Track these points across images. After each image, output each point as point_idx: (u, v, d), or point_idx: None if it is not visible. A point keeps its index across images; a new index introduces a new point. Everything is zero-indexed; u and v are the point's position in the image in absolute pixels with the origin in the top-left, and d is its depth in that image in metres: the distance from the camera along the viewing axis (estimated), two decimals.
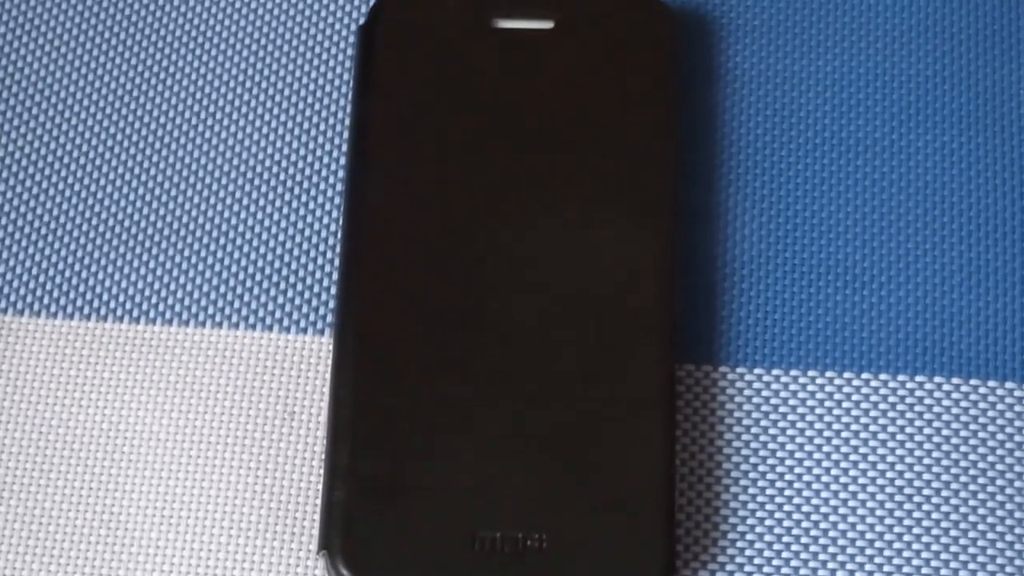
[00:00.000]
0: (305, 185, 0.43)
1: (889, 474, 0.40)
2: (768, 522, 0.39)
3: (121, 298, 0.42)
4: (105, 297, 0.42)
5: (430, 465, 0.38)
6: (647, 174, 0.41)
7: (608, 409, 0.39)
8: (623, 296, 0.40)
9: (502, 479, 0.38)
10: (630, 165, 0.41)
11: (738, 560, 0.39)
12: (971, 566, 0.39)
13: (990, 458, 0.40)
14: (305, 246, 0.43)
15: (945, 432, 0.40)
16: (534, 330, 0.40)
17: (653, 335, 0.39)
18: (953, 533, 0.39)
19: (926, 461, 0.40)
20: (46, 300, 0.42)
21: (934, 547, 0.39)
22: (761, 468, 0.40)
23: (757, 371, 0.41)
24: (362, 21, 0.45)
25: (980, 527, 0.39)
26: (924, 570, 0.39)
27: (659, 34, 0.43)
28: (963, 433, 0.40)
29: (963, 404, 0.40)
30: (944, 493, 0.39)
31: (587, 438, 0.39)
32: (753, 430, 0.40)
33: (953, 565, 0.39)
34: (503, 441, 0.39)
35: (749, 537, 0.39)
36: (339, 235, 0.42)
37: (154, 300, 0.42)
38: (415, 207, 0.41)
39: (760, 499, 0.39)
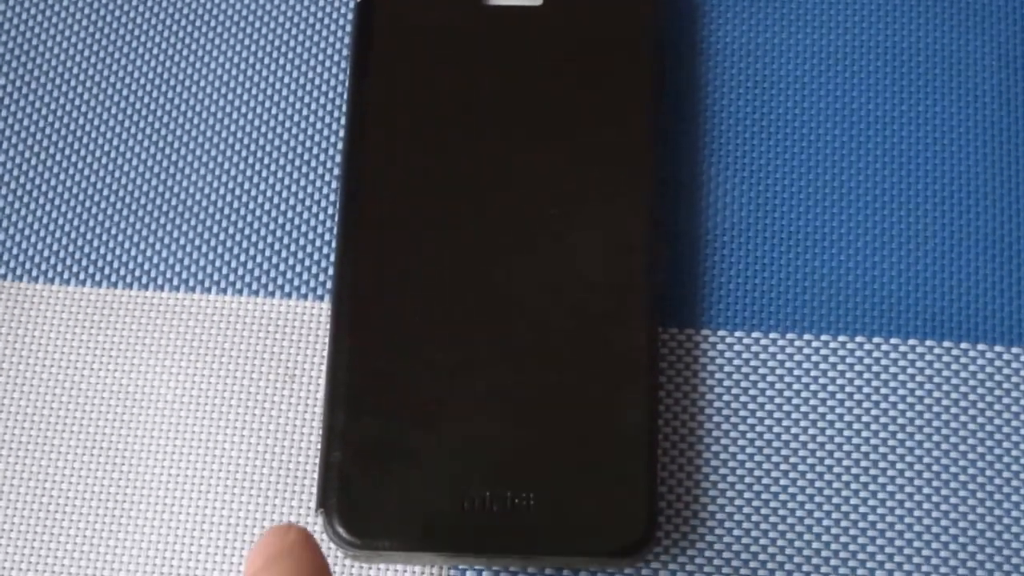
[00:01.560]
0: (305, 156, 0.44)
1: (864, 433, 0.40)
2: (748, 479, 0.40)
3: (131, 265, 0.43)
4: (115, 264, 0.43)
5: (421, 427, 0.39)
6: (631, 145, 0.42)
7: (593, 372, 0.40)
8: (608, 262, 0.41)
9: (491, 440, 0.39)
10: (614, 136, 0.42)
11: (718, 516, 0.40)
12: (943, 522, 0.40)
13: (962, 418, 0.40)
14: (305, 215, 0.43)
15: (919, 393, 0.41)
16: (523, 296, 0.41)
17: (636, 300, 0.40)
18: (926, 491, 0.40)
19: (900, 421, 0.41)
20: (59, 267, 0.43)
21: (907, 504, 0.40)
22: (741, 428, 0.41)
23: (737, 334, 0.42)
24: None
25: (952, 485, 0.40)
26: (898, 526, 0.40)
27: (643, 8, 0.44)
28: (936, 394, 0.41)
29: (936, 366, 0.41)
30: (917, 452, 0.40)
31: (573, 400, 0.40)
32: (734, 391, 0.41)
33: (926, 521, 0.40)
34: (492, 403, 0.40)
35: (729, 494, 0.40)
36: (337, 205, 0.43)
37: (161, 267, 0.43)
38: (409, 178, 0.42)
39: (740, 457, 0.40)
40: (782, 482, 0.40)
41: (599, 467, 0.39)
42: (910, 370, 0.41)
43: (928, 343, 0.41)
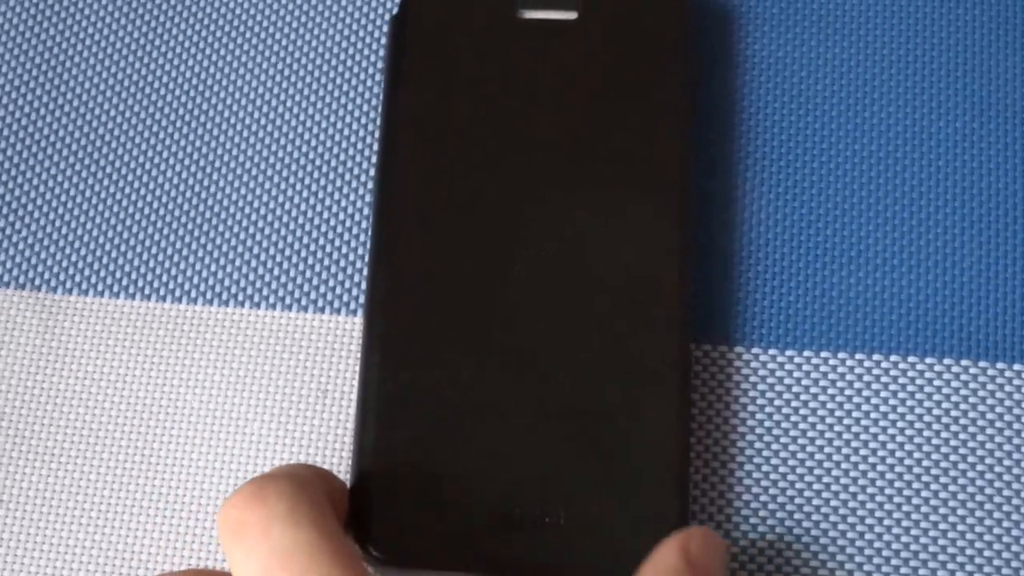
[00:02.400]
0: (340, 171, 0.44)
1: (899, 453, 0.40)
2: (780, 499, 0.40)
3: (164, 278, 0.43)
4: (149, 277, 0.43)
5: (452, 444, 0.39)
6: (663, 159, 0.42)
7: (625, 389, 0.40)
8: (639, 278, 0.41)
9: (522, 457, 0.39)
10: (647, 150, 0.42)
11: (751, 536, 0.40)
12: (977, 544, 0.39)
13: (997, 439, 0.40)
14: (339, 229, 0.43)
15: (954, 413, 0.40)
16: (555, 312, 0.40)
17: (668, 315, 0.40)
18: (960, 512, 0.40)
19: (935, 442, 0.40)
20: (93, 279, 0.43)
21: (941, 526, 0.40)
22: (774, 446, 0.40)
23: (771, 351, 0.41)
24: (394, 12, 0.46)
25: (987, 507, 0.40)
26: (931, 548, 0.39)
27: (677, 21, 0.43)
28: (971, 415, 0.40)
29: (972, 386, 0.41)
30: (952, 473, 0.40)
31: (605, 417, 0.39)
32: (767, 409, 0.41)
33: (960, 544, 0.39)
34: (523, 420, 0.39)
35: (762, 513, 0.40)
36: (370, 220, 0.43)
37: (195, 281, 0.43)
38: (442, 193, 0.42)
39: (773, 476, 0.40)
40: (815, 502, 0.40)
41: (629, 485, 0.39)
42: (945, 390, 0.41)
43: (963, 363, 0.41)
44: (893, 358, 0.41)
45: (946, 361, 0.41)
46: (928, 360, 0.41)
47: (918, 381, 0.41)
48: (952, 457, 0.40)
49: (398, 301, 0.41)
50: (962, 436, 0.40)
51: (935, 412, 0.40)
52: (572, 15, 0.43)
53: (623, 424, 0.39)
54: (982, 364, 0.41)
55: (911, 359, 0.41)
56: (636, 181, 0.42)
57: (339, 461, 0.41)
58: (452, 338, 0.40)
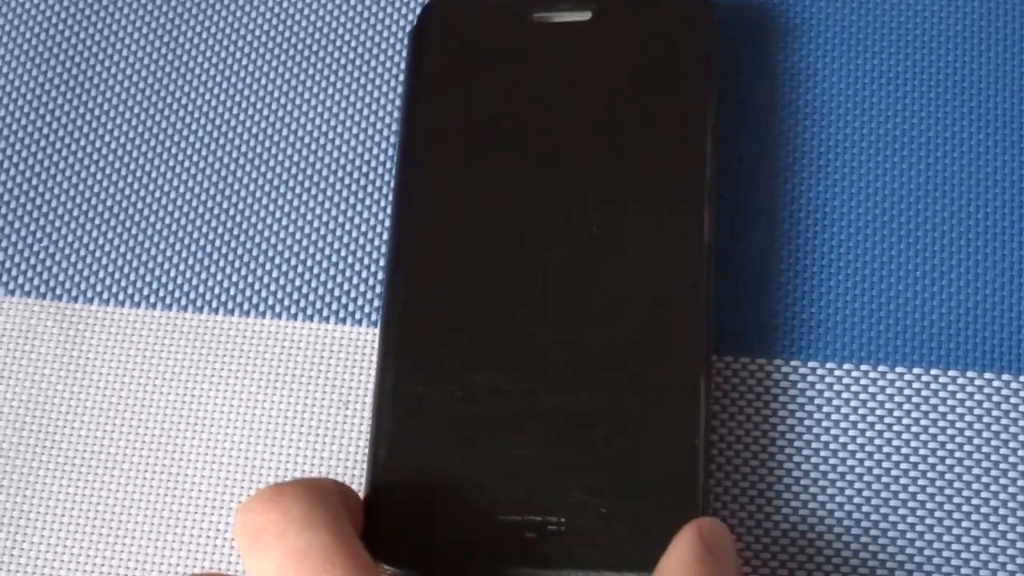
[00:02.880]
0: (362, 182, 0.44)
1: (921, 467, 0.40)
2: (802, 511, 0.40)
3: (185, 288, 0.43)
4: (171, 287, 0.43)
5: (463, 454, 0.39)
6: (685, 165, 0.41)
7: (640, 397, 0.39)
8: (657, 287, 0.40)
9: (536, 468, 0.39)
10: (667, 156, 0.41)
11: (772, 549, 0.40)
12: (1000, 559, 0.39)
13: (1021, 452, 0.40)
14: (361, 240, 0.43)
15: (995, 428, 0.40)
16: (573, 322, 0.40)
17: (685, 325, 0.40)
18: (984, 526, 0.40)
19: (975, 456, 0.40)
20: (114, 288, 0.43)
21: (964, 539, 0.40)
22: (796, 459, 0.40)
23: (793, 363, 0.41)
24: (413, 23, 0.46)
25: (1011, 520, 0.40)
26: (954, 561, 0.39)
27: (694, 22, 0.43)
28: (993, 428, 0.40)
29: (1013, 400, 0.40)
30: (975, 486, 0.40)
31: (619, 426, 0.39)
32: (788, 420, 0.41)
33: (983, 557, 0.39)
34: (538, 431, 0.39)
35: (783, 526, 0.40)
36: (389, 231, 0.43)
37: (216, 291, 0.43)
38: (460, 202, 0.42)
39: (795, 489, 0.40)
40: (837, 515, 0.40)
41: (643, 495, 0.38)
42: (986, 404, 0.40)
43: (1005, 377, 0.41)
44: (934, 371, 0.41)
45: (986, 375, 0.41)
46: (969, 374, 0.41)
47: (958, 395, 0.40)
48: (975, 470, 0.40)
49: (412, 313, 0.41)
50: (985, 449, 0.40)
51: (977, 427, 0.40)
52: (585, 16, 0.43)
53: (637, 433, 0.39)
54: (1005, 377, 0.41)
55: (951, 373, 0.41)
56: (656, 188, 0.41)
57: (360, 472, 0.41)
58: (465, 349, 0.40)
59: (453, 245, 0.41)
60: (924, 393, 0.41)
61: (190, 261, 0.44)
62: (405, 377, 0.40)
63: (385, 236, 0.43)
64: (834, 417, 0.41)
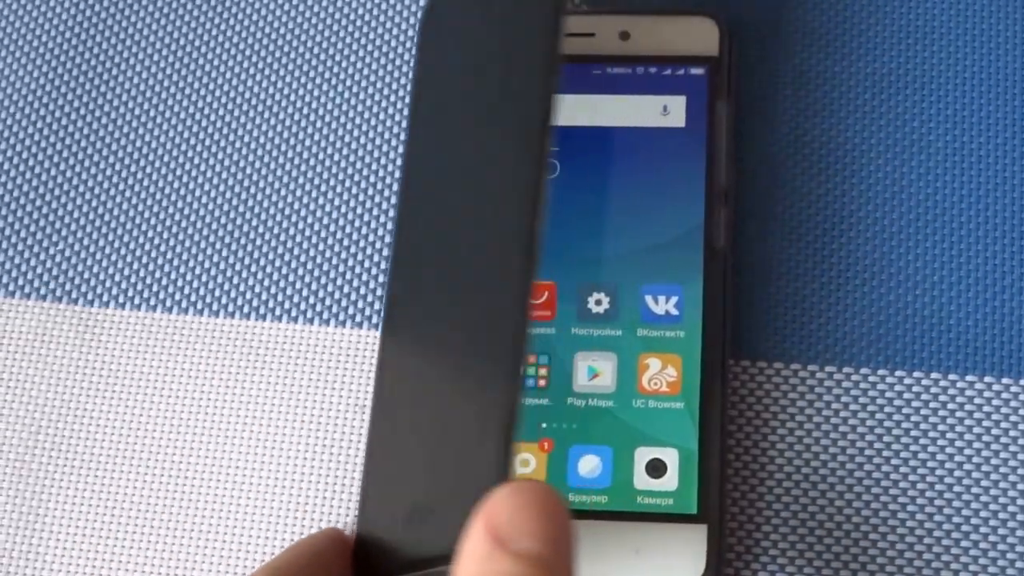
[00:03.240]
0: (379, 186, 0.44)
1: (921, 471, 0.40)
2: (820, 516, 0.40)
3: (201, 291, 0.43)
4: (186, 291, 0.43)
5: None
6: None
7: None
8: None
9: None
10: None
11: (789, 554, 0.40)
12: (999, 563, 0.39)
13: (1021, 456, 0.41)
14: (378, 244, 0.44)
15: (994, 432, 0.40)
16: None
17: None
18: (984, 530, 0.40)
19: (958, 459, 0.40)
20: (130, 292, 0.44)
21: (963, 543, 0.40)
22: (813, 464, 0.40)
23: (811, 367, 0.41)
24: (416, 26, 0.45)
25: (1011, 524, 0.40)
26: (954, 565, 0.39)
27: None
28: (994, 431, 0.40)
29: (1012, 404, 0.40)
30: (975, 490, 0.40)
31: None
32: (806, 425, 0.41)
33: (1009, 556, 0.39)
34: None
35: (800, 531, 0.40)
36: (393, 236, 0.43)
37: (232, 295, 0.43)
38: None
39: (812, 494, 0.40)
40: (854, 519, 0.40)
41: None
42: (986, 408, 0.41)
43: (1004, 381, 0.41)
44: (934, 375, 0.41)
45: (987, 379, 0.41)
46: (969, 377, 0.41)
47: (958, 399, 0.41)
48: (993, 476, 0.40)
49: (406, 319, 0.40)
50: (1003, 455, 0.40)
51: (992, 429, 0.40)
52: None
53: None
54: (1005, 380, 0.41)
55: (951, 376, 0.41)
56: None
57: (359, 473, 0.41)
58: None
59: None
60: (924, 397, 0.41)
61: (206, 264, 0.44)
62: (391, 385, 0.38)
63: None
64: (839, 419, 0.41)
